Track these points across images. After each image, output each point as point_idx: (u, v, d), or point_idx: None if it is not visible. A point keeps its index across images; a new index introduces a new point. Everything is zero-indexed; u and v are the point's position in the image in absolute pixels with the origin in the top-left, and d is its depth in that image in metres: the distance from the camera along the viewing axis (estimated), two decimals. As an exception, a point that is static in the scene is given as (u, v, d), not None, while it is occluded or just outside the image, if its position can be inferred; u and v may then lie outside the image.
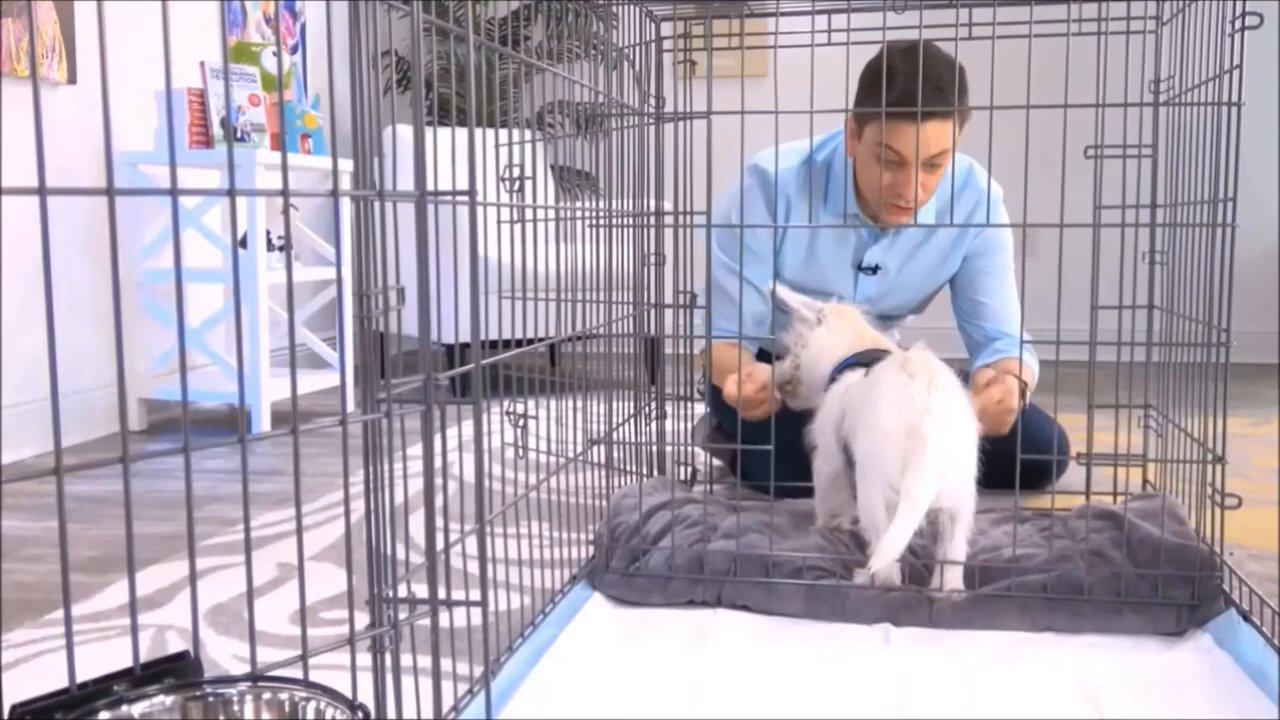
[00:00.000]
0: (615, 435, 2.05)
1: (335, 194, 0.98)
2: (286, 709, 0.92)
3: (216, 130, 3.30)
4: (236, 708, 0.91)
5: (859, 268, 2.34)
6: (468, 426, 2.75)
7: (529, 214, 1.78)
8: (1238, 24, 1.54)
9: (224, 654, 1.57)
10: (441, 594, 1.06)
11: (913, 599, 1.64)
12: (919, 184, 2.09)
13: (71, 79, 3.04)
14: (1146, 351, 1.81)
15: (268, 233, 3.48)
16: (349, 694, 0.95)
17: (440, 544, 1.15)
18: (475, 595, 1.08)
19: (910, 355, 1.73)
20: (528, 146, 2.24)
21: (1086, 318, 1.66)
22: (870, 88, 2.06)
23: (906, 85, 1.87)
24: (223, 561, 1.99)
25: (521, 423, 1.89)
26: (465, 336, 3.78)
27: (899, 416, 1.61)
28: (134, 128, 3.34)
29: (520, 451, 1.95)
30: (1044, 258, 3.09)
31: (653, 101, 2.13)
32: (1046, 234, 4.45)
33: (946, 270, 2.39)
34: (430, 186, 1.04)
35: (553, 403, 1.97)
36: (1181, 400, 1.77)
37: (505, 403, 1.95)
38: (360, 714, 0.91)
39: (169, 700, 0.89)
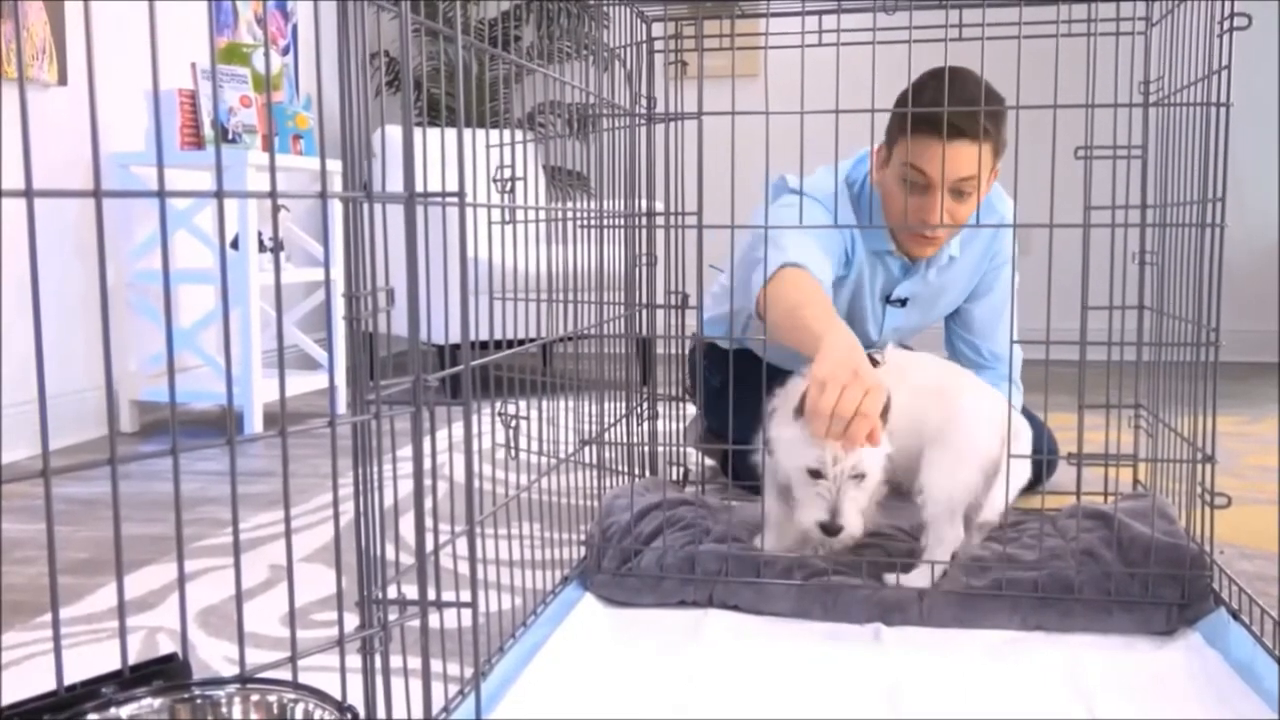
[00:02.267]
0: (607, 436, 2.06)
1: (324, 195, 0.98)
2: (275, 710, 0.92)
3: (208, 131, 3.29)
4: (225, 709, 0.91)
5: (887, 300, 2.31)
6: (458, 427, 2.75)
7: (520, 215, 1.78)
8: (1226, 25, 1.55)
9: (215, 656, 1.57)
10: (432, 595, 1.06)
11: (904, 598, 1.64)
12: (947, 211, 2.04)
13: (62, 80, 3.03)
14: (1137, 351, 1.82)
15: (259, 234, 3.48)
16: (339, 695, 0.95)
17: (430, 545, 1.15)
18: (466, 596, 1.08)
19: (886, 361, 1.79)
20: (519, 147, 2.24)
21: (1077, 317, 1.66)
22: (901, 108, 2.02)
23: (936, 102, 1.85)
24: (214, 563, 1.99)
25: (513, 423, 1.89)
26: (456, 337, 3.78)
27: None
28: (125, 129, 3.34)
29: (512, 452, 1.95)
30: (1035, 258, 3.10)
31: (644, 102, 2.13)
32: (1037, 234, 4.46)
33: (965, 294, 2.38)
34: (420, 188, 1.04)
35: (544, 403, 1.97)
36: (1172, 400, 1.78)
37: (496, 403, 1.95)
38: (349, 715, 0.91)
39: (157, 702, 0.89)
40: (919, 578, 1.70)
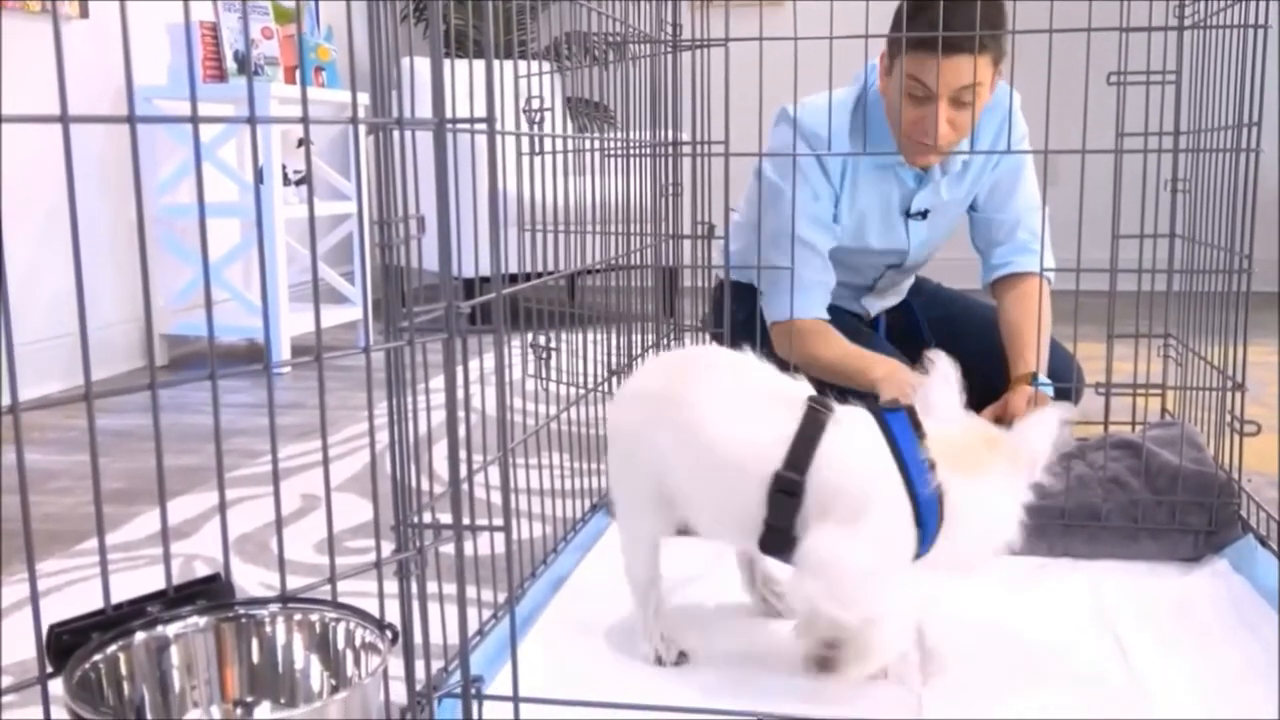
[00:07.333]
0: (634, 366, 2.06)
1: (354, 121, 0.98)
2: (317, 629, 0.94)
3: (229, 64, 3.28)
4: (268, 628, 0.93)
5: (908, 214, 2.29)
6: (488, 359, 2.77)
7: (547, 145, 1.77)
8: (1266, -56, 1.51)
9: (251, 581, 1.60)
10: (465, 521, 1.08)
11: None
12: (948, 122, 2.02)
13: (84, 14, 3.02)
14: (1168, 279, 1.80)
15: (283, 166, 3.48)
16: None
17: (463, 472, 1.16)
18: (498, 523, 1.10)
19: None
20: (544, 78, 2.21)
21: (1107, 246, 1.65)
22: (903, 19, 2.00)
23: (937, 16, 1.83)
24: (247, 493, 2.02)
25: (542, 355, 1.90)
26: (484, 269, 3.77)
27: None
28: (146, 63, 3.33)
29: (540, 383, 1.96)
30: (1066, 185, 3.06)
31: (670, 29, 2.11)
32: (1068, 161, 4.41)
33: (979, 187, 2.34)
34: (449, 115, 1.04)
35: (571, 335, 1.98)
36: (1202, 328, 1.77)
37: (526, 334, 1.95)
38: (389, 634, 0.92)
39: (202, 621, 0.91)
40: None
